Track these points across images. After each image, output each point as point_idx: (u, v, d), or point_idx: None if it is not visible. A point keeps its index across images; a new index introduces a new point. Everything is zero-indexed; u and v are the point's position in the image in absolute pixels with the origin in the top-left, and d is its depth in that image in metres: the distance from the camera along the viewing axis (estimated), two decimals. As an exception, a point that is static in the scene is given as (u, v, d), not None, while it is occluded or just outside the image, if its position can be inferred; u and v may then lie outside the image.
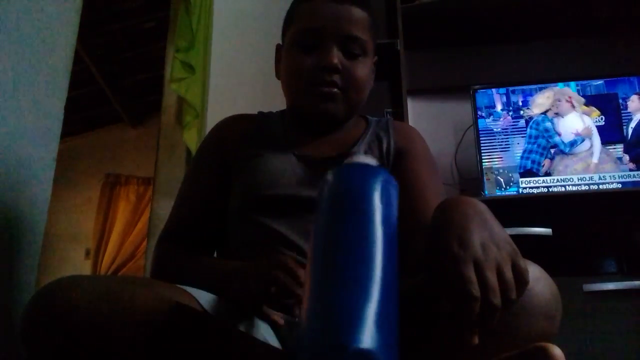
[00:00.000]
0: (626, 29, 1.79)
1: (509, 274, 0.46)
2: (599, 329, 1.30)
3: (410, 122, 1.61)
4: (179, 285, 0.62)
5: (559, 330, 0.53)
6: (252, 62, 1.93)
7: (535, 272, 0.52)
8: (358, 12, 0.82)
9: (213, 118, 1.85)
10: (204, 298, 0.61)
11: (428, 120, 1.85)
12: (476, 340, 0.44)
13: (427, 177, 0.82)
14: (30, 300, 0.52)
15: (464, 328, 0.45)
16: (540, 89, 1.64)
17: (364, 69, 0.83)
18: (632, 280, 1.34)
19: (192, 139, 1.77)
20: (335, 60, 0.79)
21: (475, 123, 1.64)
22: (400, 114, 1.56)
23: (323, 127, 0.86)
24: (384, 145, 0.86)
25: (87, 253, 4.11)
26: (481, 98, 1.65)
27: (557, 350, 0.45)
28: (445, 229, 0.51)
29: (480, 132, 1.63)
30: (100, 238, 4.06)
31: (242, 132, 0.88)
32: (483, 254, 0.47)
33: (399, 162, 0.84)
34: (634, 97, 1.59)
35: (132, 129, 4.49)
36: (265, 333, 0.66)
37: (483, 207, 0.54)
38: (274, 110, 0.94)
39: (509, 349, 0.49)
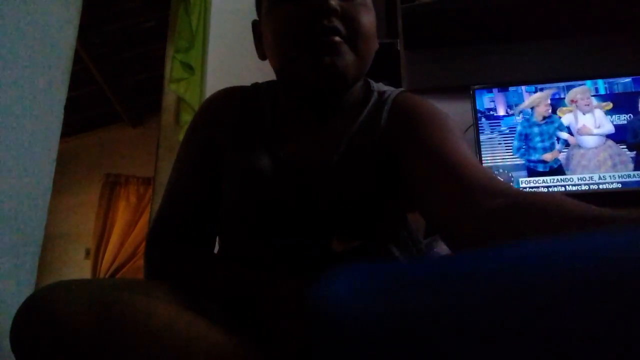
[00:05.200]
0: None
1: None
2: (599, 329, 1.30)
3: (410, 122, 1.61)
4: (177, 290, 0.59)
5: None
6: (249, 62, 1.92)
7: None
8: None
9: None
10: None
11: (428, 120, 1.84)
12: None
13: (444, 141, 0.61)
14: (20, 307, 0.49)
15: None
16: (569, 87, 1.64)
17: (367, 16, 0.66)
18: (632, 280, 1.34)
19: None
20: (331, 1, 0.61)
21: (475, 123, 1.65)
22: (400, 114, 1.55)
23: (325, 99, 0.69)
24: (376, 132, 0.69)
25: (87, 253, 4.11)
26: (512, 96, 1.67)
27: None
28: None
29: (511, 129, 1.64)
30: (100, 238, 4.06)
31: (231, 112, 0.73)
32: None
33: (398, 145, 0.66)
34: None
35: (132, 129, 4.49)
36: None
37: None
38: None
39: None
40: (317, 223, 0.65)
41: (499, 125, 1.64)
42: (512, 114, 1.65)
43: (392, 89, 0.74)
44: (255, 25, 0.76)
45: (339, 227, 0.65)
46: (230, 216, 0.69)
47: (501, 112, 1.66)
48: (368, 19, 0.66)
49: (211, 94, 0.79)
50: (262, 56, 0.74)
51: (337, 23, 0.62)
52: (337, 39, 0.62)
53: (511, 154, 1.61)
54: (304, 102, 0.70)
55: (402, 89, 0.74)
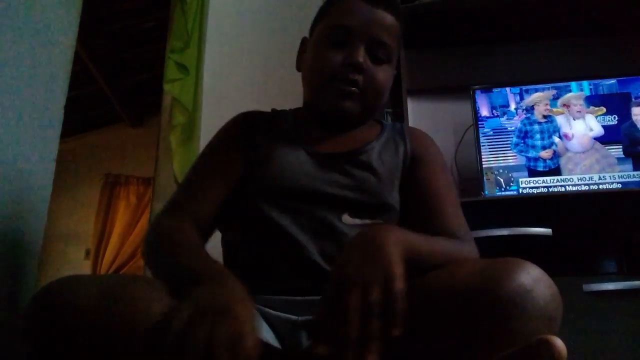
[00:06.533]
0: (638, 27, 1.78)
1: (374, 296, 0.48)
2: (599, 329, 1.30)
3: (410, 122, 1.60)
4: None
5: (559, 330, 0.53)
6: (247, 63, 1.92)
7: (535, 274, 0.52)
8: (390, 19, 0.84)
9: (207, 119, 1.84)
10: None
11: (428, 120, 1.84)
12: None
13: (442, 184, 0.84)
14: (30, 300, 0.52)
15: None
16: (554, 87, 1.64)
17: (386, 76, 0.85)
18: (632, 280, 1.34)
19: (176, 139, 1.77)
20: (362, 59, 0.80)
21: (475, 123, 1.64)
22: (400, 114, 1.55)
23: (337, 125, 0.87)
24: (400, 150, 0.87)
25: (87, 253, 4.11)
26: (496, 97, 1.66)
27: (558, 342, 0.45)
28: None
29: (495, 131, 1.64)
30: (100, 238, 4.06)
31: (260, 125, 0.88)
32: (353, 275, 0.51)
33: (415, 169, 0.85)
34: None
35: (132, 129, 4.49)
36: (265, 333, 0.66)
37: (380, 239, 0.57)
38: (270, 108, 0.95)
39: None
40: (333, 198, 0.78)
41: (482, 127, 1.64)
42: (497, 116, 1.65)
43: (395, 123, 0.96)
44: (304, 42, 0.94)
45: (351, 204, 0.78)
46: (250, 197, 0.80)
47: (484, 113, 1.66)
48: (385, 78, 0.84)
49: (239, 113, 0.93)
50: (298, 68, 0.93)
51: (358, 78, 0.81)
52: (355, 90, 0.81)
53: (495, 155, 1.61)
54: (322, 119, 0.87)
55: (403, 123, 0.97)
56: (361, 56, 0.80)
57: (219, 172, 0.83)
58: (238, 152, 0.84)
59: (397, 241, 0.57)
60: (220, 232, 0.87)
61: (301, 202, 0.77)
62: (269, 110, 0.95)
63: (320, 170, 0.81)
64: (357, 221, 0.78)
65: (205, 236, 0.81)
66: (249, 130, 0.87)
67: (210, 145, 0.89)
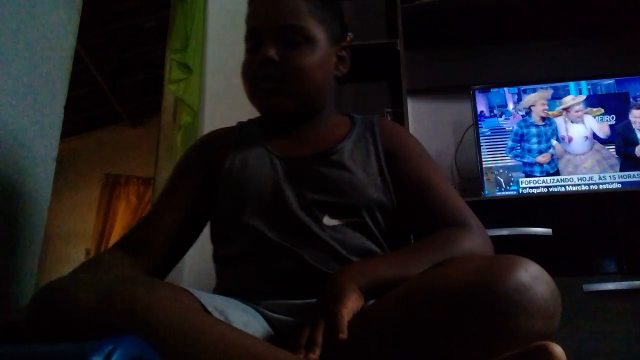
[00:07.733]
0: (636, 27, 1.78)
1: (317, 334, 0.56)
2: (599, 329, 1.30)
3: (410, 122, 1.61)
4: (181, 286, 0.61)
5: (559, 330, 0.53)
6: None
7: (533, 271, 0.52)
8: (290, 2, 0.83)
9: (210, 119, 1.84)
10: (205, 297, 0.62)
11: (428, 120, 1.85)
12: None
13: (429, 173, 0.81)
14: (31, 299, 0.52)
15: None
16: (552, 87, 1.64)
17: (307, 57, 0.81)
18: (632, 280, 1.34)
19: (181, 141, 1.77)
20: (269, 53, 0.79)
21: (475, 123, 1.65)
22: (400, 114, 1.55)
23: (290, 124, 0.86)
24: (371, 147, 0.84)
25: (87, 253, 4.11)
26: (494, 97, 1.66)
27: (557, 349, 0.45)
28: None
29: (492, 131, 1.63)
30: (100, 238, 4.06)
31: (222, 143, 0.88)
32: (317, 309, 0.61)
33: (395, 165, 0.82)
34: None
35: (132, 129, 4.49)
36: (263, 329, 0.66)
37: (334, 280, 0.64)
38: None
39: (508, 349, 0.49)
40: (311, 202, 0.77)
41: (481, 127, 1.64)
42: (495, 116, 1.65)
43: (368, 115, 0.92)
44: None
45: (329, 205, 0.77)
46: (226, 209, 0.81)
47: (483, 113, 1.65)
48: (306, 60, 0.81)
49: (201, 135, 0.95)
50: None
51: (270, 70, 0.80)
52: (272, 84, 0.80)
53: (493, 155, 1.61)
54: (276, 123, 0.88)
55: (377, 115, 0.92)
56: (268, 50, 0.80)
57: (174, 198, 0.84)
58: (197, 174, 0.86)
59: (351, 277, 0.64)
60: (213, 248, 0.87)
61: (279, 210, 0.76)
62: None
63: (294, 175, 0.80)
64: (336, 222, 0.76)
65: (163, 255, 0.82)
66: (208, 151, 0.88)
67: (175, 171, 0.90)
